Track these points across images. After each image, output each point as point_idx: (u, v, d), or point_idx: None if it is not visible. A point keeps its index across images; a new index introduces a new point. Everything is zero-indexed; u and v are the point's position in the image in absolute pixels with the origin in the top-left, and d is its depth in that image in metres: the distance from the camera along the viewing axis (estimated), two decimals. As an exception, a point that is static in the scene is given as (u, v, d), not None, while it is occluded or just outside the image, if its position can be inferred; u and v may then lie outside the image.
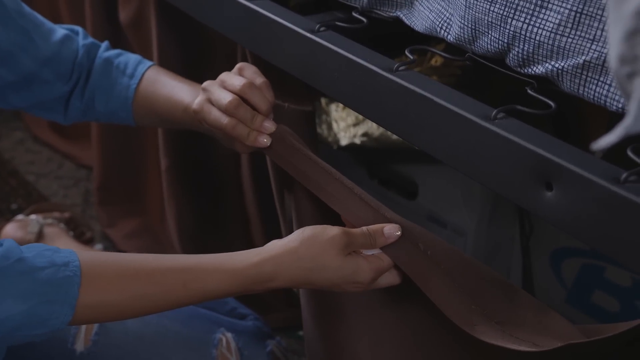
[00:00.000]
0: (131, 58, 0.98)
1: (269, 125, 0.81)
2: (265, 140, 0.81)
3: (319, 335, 0.89)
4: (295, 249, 0.73)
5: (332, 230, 0.73)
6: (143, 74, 0.96)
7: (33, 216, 1.42)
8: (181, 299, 0.73)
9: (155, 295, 0.72)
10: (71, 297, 0.68)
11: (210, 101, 0.82)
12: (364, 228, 0.75)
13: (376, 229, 0.74)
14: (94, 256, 0.74)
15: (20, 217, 1.42)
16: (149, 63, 0.97)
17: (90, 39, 0.98)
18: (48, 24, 0.96)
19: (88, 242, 1.46)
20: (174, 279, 0.72)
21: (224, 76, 0.83)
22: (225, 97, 0.80)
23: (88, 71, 0.97)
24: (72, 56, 0.96)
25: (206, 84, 0.83)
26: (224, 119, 0.80)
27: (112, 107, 0.97)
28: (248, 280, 0.73)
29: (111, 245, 1.51)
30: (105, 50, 0.98)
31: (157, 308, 0.73)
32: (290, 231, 0.95)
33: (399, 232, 0.74)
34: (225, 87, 0.81)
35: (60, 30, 0.96)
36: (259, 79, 0.82)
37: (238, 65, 0.84)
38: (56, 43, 0.95)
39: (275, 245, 0.74)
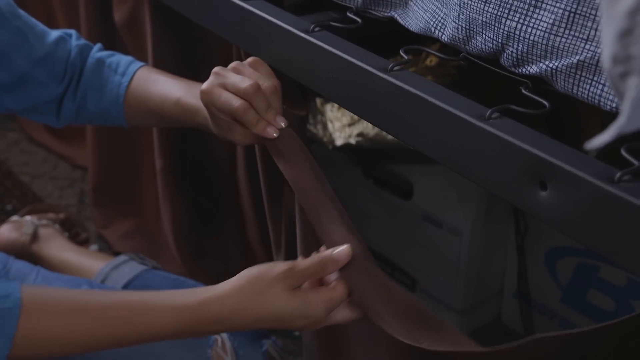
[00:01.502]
0: (123, 58, 0.99)
1: (281, 121, 0.80)
2: (272, 132, 0.79)
3: (317, 343, 0.89)
4: (241, 287, 0.72)
5: (279, 267, 0.72)
6: (135, 72, 0.96)
7: (28, 217, 1.42)
8: (125, 335, 0.72)
9: (97, 330, 0.71)
10: (9, 329, 0.67)
11: (222, 85, 0.80)
12: (315, 256, 0.73)
13: (325, 255, 0.73)
14: (38, 290, 0.73)
15: (15, 218, 1.42)
16: (141, 63, 0.98)
17: (83, 41, 0.99)
18: (41, 25, 0.97)
19: (83, 243, 1.46)
20: (116, 314, 0.71)
21: (240, 66, 0.81)
22: (245, 81, 0.78)
23: (80, 71, 0.98)
24: (65, 57, 0.96)
25: (218, 68, 0.81)
26: (236, 102, 0.78)
27: (104, 106, 0.97)
28: (194, 318, 0.72)
29: (106, 246, 1.50)
30: (97, 51, 0.99)
31: (101, 345, 0.72)
32: (284, 233, 0.95)
33: (350, 252, 0.73)
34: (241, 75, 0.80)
35: (54, 32, 0.97)
36: (274, 80, 0.81)
37: (252, 59, 0.83)
38: (50, 44, 0.95)
39: (223, 284, 0.73)
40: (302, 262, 0.73)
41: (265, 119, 0.79)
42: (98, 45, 1.00)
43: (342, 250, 0.73)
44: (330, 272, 0.73)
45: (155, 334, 0.72)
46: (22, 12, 0.94)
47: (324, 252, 0.74)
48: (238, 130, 0.82)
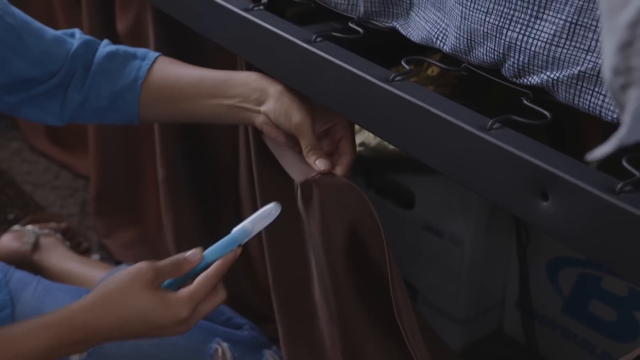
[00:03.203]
0: (139, 48, 0.98)
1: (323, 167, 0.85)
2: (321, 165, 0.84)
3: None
4: (103, 293, 0.78)
5: (136, 267, 0.78)
6: (157, 58, 0.96)
7: (29, 227, 1.41)
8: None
9: None
10: None
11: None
12: (172, 257, 0.80)
13: (179, 257, 0.80)
14: None
15: (16, 227, 1.42)
16: (159, 53, 0.98)
17: (88, 36, 0.97)
18: (37, 23, 0.94)
19: (85, 252, 1.46)
20: None
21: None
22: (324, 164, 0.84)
23: (89, 62, 0.95)
24: (63, 54, 0.94)
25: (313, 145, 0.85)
26: (319, 165, 0.84)
27: (119, 89, 0.95)
28: (63, 332, 0.76)
29: (108, 256, 1.50)
30: (108, 44, 0.97)
31: None
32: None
33: (199, 256, 0.80)
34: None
35: (52, 31, 0.95)
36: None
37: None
38: (47, 41, 0.93)
39: (87, 295, 0.79)
40: (159, 262, 0.79)
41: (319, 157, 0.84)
42: (106, 40, 0.98)
43: (193, 252, 0.81)
44: (184, 272, 0.80)
45: (31, 355, 0.76)
46: (15, 10, 0.91)
47: (178, 255, 0.80)
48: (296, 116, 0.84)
